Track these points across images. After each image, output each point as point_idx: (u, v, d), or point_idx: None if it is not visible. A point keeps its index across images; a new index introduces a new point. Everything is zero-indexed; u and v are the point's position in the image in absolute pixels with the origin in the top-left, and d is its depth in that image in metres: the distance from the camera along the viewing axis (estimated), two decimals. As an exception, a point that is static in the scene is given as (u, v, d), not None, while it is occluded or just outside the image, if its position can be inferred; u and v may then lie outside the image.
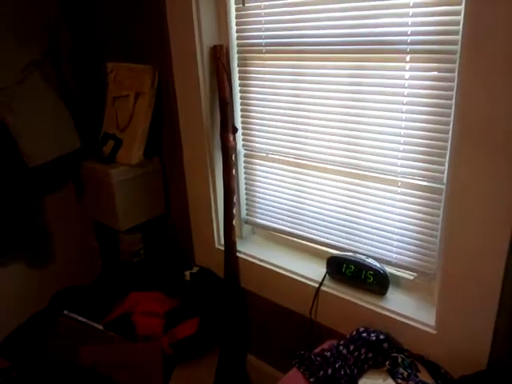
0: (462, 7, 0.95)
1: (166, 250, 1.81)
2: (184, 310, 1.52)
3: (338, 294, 1.31)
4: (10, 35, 1.58)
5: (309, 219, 1.41)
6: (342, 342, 1.20)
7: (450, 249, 1.07)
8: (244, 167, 1.54)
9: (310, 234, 1.43)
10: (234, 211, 1.51)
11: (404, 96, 1.10)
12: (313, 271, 1.39)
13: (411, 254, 1.22)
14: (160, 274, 1.68)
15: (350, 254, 1.32)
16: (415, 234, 1.20)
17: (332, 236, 1.37)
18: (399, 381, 1.08)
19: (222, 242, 1.56)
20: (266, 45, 1.32)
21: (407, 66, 1.08)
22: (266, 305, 1.53)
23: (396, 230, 1.23)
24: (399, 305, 1.23)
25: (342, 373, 1.12)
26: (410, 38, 1.05)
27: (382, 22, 1.08)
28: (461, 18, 0.96)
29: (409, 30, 1.04)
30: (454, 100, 1.02)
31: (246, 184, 1.56)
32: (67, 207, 1.97)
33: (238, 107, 1.47)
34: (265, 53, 1.34)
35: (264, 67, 1.35)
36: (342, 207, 1.32)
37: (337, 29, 1.16)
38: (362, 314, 1.26)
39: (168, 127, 1.63)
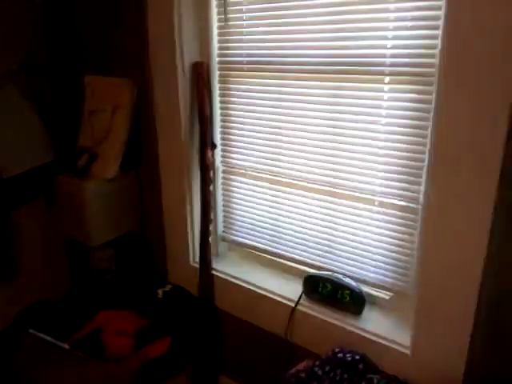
0: (439, 32, 0.98)
1: (138, 267, 1.76)
2: (156, 329, 1.47)
3: (314, 314, 1.30)
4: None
5: (286, 237, 1.40)
6: (317, 363, 1.18)
7: (426, 269, 1.08)
8: (222, 183, 1.53)
9: (287, 252, 1.42)
10: (211, 228, 1.49)
11: (382, 117, 1.12)
12: (289, 290, 1.38)
13: (387, 273, 1.22)
14: (132, 292, 1.64)
15: (327, 272, 1.31)
16: (392, 254, 1.20)
17: (309, 254, 1.37)
18: (375, 402, 1.07)
19: (197, 259, 1.54)
20: (248, 63, 1.33)
21: (386, 87, 1.10)
22: (241, 324, 1.50)
23: (373, 249, 1.23)
24: (375, 325, 1.23)
25: (318, 394, 1.10)
26: (389, 60, 1.07)
27: (362, 44, 1.10)
28: (438, 42, 0.99)
29: (388, 52, 1.07)
30: (431, 121, 1.04)
31: (223, 200, 1.54)
32: (37, 221, 1.91)
33: (217, 123, 1.47)
34: (246, 70, 1.34)
35: (245, 84, 1.36)
36: (319, 225, 1.32)
37: (317, 49, 1.18)
38: (338, 333, 1.25)
39: (146, 141, 1.61)
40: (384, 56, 1.08)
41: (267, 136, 1.35)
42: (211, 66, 1.42)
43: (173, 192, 1.55)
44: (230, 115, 1.43)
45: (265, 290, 1.41)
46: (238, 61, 1.35)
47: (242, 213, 1.49)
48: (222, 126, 1.47)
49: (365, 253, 1.25)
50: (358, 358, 1.17)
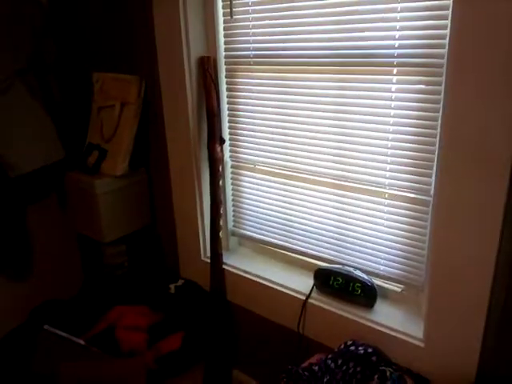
0: (448, 21, 0.96)
1: (150, 263, 1.78)
2: (168, 324, 1.48)
3: (325, 307, 1.30)
4: (-7, 44, 1.56)
5: (296, 231, 1.40)
6: (330, 356, 1.19)
7: (438, 261, 1.07)
8: (231, 178, 1.53)
9: (298, 245, 1.42)
10: (221, 223, 1.49)
11: (391, 108, 1.11)
12: (300, 284, 1.38)
13: (399, 266, 1.22)
14: (144, 287, 1.65)
15: (338, 266, 1.31)
16: (403, 246, 1.20)
17: (319, 248, 1.37)
18: (388, 395, 1.07)
19: (208, 254, 1.55)
20: (254, 56, 1.32)
21: (394, 78, 1.09)
22: (253, 318, 1.51)
23: (384, 241, 1.23)
24: (387, 317, 1.22)
25: (331, 387, 1.10)
26: (397, 51, 1.06)
27: (370, 36, 1.09)
28: (447, 31, 0.97)
29: (396, 43, 1.06)
30: (440, 112, 1.03)
31: (233, 195, 1.55)
32: (50, 218, 1.93)
33: (225, 118, 1.47)
34: (252, 64, 1.34)
35: (252, 79, 1.35)
36: (329, 219, 1.32)
37: (324, 42, 1.17)
38: (350, 326, 1.25)
39: (154, 138, 1.61)
40: (392, 47, 1.06)
41: (275, 130, 1.35)
42: (218, 60, 1.41)
43: (182, 188, 1.55)
44: (238, 110, 1.42)
45: (276, 283, 1.41)
46: (245, 55, 1.34)
47: (252, 207, 1.49)
48: (229, 121, 1.46)
49: (376, 246, 1.25)
50: (370, 350, 1.17)
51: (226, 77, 1.42)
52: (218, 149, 1.45)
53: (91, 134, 1.70)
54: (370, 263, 1.27)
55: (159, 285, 1.62)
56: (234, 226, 1.59)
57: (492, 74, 0.89)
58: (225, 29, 1.37)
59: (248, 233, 1.54)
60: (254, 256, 1.57)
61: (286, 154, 1.34)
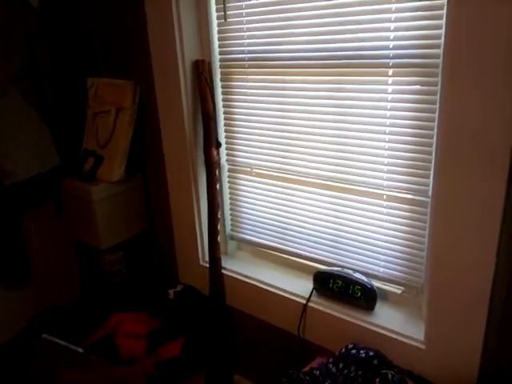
0: (443, 21, 0.96)
1: (148, 268, 1.77)
2: (168, 330, 1.47)
3: (325, 310, 1.29)
4: (-14, 51, 1.55)
5: (295, 234, 1.39)
6: (331, 360, 1.18)
7: (437, 262, 1.06)
8: (228, 182, 1.52)
9: (297, 248, 1.41)
10: (219, 227, 1.48)
11: (387, 110, 1.10)
12: (300, 287, 1.37)
13: (398, 267, 1.21)
14: (143, 294, 1.64)
15: (337, 268, 1.30)
16: (402, 248, 1.19)
17: (319, 251, 1.36)
18: (390, 398, 1.06)
19: (207, 258, 1.54)
20: (249, 59, 1.32)
21: (390, 79, 1.08)
22: (253, 323, 1.50)
23: (383, 243, 1.22)
24: (387, 320, 1.21)
25: (332, 392, 1.10)
26: (392, 52, 1.05)
27: (365, 37, 1.08)
28: (442, 31, 0.96)
29: (391, 43, 1.05)
30: (437, 113, 1.02)
31: (230, 199, 1.54)
32: (46, 226, 1.91)
33: (221, 122, 1.46)
34: (247, 67, 1.33)
35: (247, 81, 1.35)
36: (328, 221, 1.31)
37: (319, 43, 1.16)
38: (351, 329, 1.24)
39: (150, 143, 1.60)
40: (387, 48, 1.06)
41: (272, 133, 1.34)
42: (213, 64, 1.40)
43: (179, 192, 1.54)
44: (234, 113, 1.41)
45: (275, 287, 1.40)
46: (240, 58, 1.34)
47: (250, 211, 1.49)
48: (225, 124, 1.45)
49: (375, 247, 1.24)
50: (371, 353, 1.16)
51: (221, 80, 1.42)
52: (215, 152, 1.44)
53: (87, 140, 1.69)
54: (369, 265, 1.27)
55: (158, 291, 1.61)
56: (232, 230, 1.58)
57: (488, 73, 0.88)
58: (219, 32, 1.37)
59: (246, 237, 1.53)
60: (252, 260, 1.56)
61: (283, 157, 1.34)
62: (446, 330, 1.08)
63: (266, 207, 1.44)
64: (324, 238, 1.33)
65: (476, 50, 0.88)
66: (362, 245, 1.26)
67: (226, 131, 1.46)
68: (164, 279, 1.71)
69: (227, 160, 1.50)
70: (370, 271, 1.27)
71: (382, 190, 1.17)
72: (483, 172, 0.94)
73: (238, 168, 1.47)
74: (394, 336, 1.17)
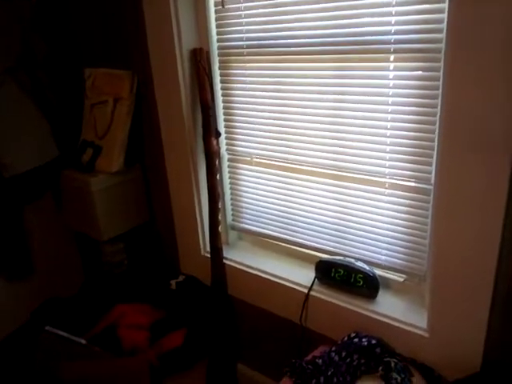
0: (445, 5, 0.94)
1: (150, 259, 1.76)
2: (170, 321, 1.48)
3: (327, 299, 1.29)
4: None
5: (296, 223, 1.39)
6: (333, 349, 1.18)
7: (440, 250, 1.05)
8: (228, 172, 1.51)
9: (298, 238, 1.40)
10: (220, 217, 1.48)
11: (389, 96, 1.08)
12: (302, 276, 1.36)
13: (400, 255, 1.20)
14: (145, 285, 1.64)
15: (339, 257, 1.30)
16: (404, 236, 1.18)
17: (320, 240, 1.35)
18: (393, 386, 1.06)
19: (208, 248, 1.53)
20: (247, 47, 1.30)
21: (391, 65, 1.06)
22: (255, 312, 1.50)
23: (385, 231, 1.21)
24: (390, 308, 1.21)
25: (335, 380, 1.09)
26: (393, 38, 1.03)
27: (365, 22, 1.06)
28: (445, 15, 0.94)
29: (392, 29, 1.03)
30: (439, 99, 1.00)
31: (231, 189, 1.53)
32: (46, 218, 1.91)
33: (220, 111, 1.44)
34: (246, 55, 1.31)
35: (246, 69, 1.33)
36: (329, 210, 1.30)
37: (319, 29, 1.14)
38: (353, 318, 1.24)
39: (148, 133, 1.59)
40: (388, 33, 1.04)
41: (271, 121, 1.32)
42: (211, 52, 1.38)
43: (179, 183, 1.53)
44: (233, 102, 1.40)
45: (277, 276, 1.40)
46: (238, 45, 1.31)
47: (251, 200, 1.48)
48: (225, 113, 1.44)
49: (377, 236, 1.23)
50: (374, 342, 1.16)
51: (219, 68, 1.40)
52: (214, 142, 1.42)
53: (85, 131, 1.67)
54: (371, 253, 1.26)
55: (160, 281, 1.61)
56: (233, 219, 1.57)
57: (492, 58, 0.86)
58: (217, 19, 1.34)
59: (247, 226, 1.53)
60: (254, 249, 1.56)
61: (284, 146, 1.32)
62: (448, 317, 1.08)
63: (266, 197, 1.43)
64: (326, 227, 1.32)
65: (479, 35, 0.86)
66: (364, 233, 1.25)
67: (225, 120, 1.45)
68: (166, 270, 1.71)
69: (227, 149, 1.48)
70: (372, 259, 1.26)
71: (384, 177, 1.16)
72: (486, 158, 0.92)
73: (238, 157, 1.46)
74: (397, 324, 1.17)
